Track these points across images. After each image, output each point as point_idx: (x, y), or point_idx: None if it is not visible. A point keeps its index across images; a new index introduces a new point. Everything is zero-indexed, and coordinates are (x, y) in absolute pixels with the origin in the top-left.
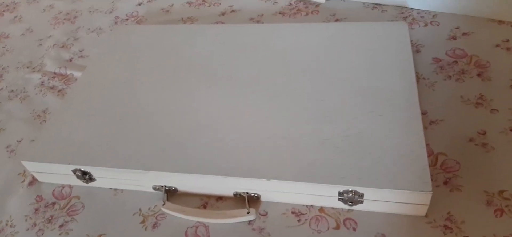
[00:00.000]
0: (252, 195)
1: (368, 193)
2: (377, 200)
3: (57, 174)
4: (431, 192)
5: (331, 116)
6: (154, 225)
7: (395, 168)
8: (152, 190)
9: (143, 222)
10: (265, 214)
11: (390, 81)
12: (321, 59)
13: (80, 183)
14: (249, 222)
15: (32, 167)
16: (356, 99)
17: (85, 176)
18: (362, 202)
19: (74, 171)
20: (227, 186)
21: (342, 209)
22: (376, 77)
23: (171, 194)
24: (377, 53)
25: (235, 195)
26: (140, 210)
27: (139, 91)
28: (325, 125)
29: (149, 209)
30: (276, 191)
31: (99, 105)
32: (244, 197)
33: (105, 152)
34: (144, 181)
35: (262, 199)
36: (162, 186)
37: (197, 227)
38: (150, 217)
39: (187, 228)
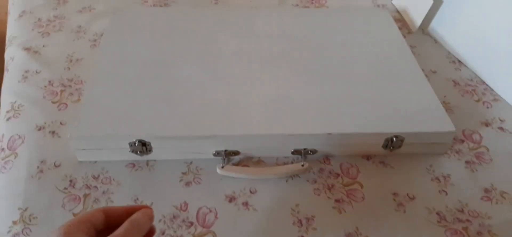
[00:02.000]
0: (309, 150)
1: (408, 137)
2: (412, 143)
3: (106, 150)
4: (454, 131)
5: (357, 82)
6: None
7: (423, 116)
8: (212, 156)
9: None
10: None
11: (390, 53)
12: (325, 40)
13: (130, 157)
14: (308, 180)
15: (78, 144)
16: (370, 69)
17: (144, 147)
18: (400, 146)
19: (133, 143)
20: (288, 143)
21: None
22: (377, 51)
23: (228, 160)
24: (369, 33)
25: (294, 152)
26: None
27: (166, 65)
28: (355, 89)
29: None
30: (332, 144)
31: (130, 77)
32: (301, 152)
33: (162, 122)
34: (205, 147)
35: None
36: (223, 150)
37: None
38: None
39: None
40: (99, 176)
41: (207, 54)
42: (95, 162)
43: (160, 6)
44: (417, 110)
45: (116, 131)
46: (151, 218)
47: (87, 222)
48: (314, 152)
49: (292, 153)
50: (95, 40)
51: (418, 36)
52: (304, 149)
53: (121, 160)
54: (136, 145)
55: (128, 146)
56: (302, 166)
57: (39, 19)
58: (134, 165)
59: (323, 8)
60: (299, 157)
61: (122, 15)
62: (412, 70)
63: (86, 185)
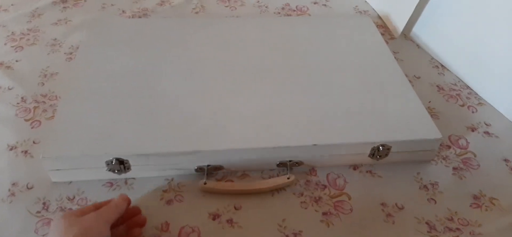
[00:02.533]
0: (296, 162)
1: (395, 145)
2: (399, 152)
3: (81, 169)
4: (441, 138)
5: (341, 91)
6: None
7: (409, 124)
8: (194, 172)
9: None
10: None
11: (373, 60)
12: (308, 49)
13: (107, 176)
14: (294, 193)
15: (52, 164)
16: (353, 77)
17: (122, 165)
18: (387, 155)
19: (110, 162)
20: (273, 155)
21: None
22: (361, 58)
23: (210, 175)
24: (352, 40)
25: (279, 165)
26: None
27: (146, 78)
28: (339, 97)
29: None
30: (317, 155)
31: (108, 92)
32: (286, 164)
33: (140, 138)
34: (187, 163)
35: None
36: (205, 166)
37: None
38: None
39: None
40: (74, 197)
41: (188, 66)
42: (70, 182)
43: (139, 17)
44: (403, 118)
45: (92, 150)
46: (126, 199)
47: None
48: (300, 163)
49: (278, 165)
50: (71, 54)
51: (401, 41)
52: (290, 161)
53: (98, 179)
54: (114, 163)
55: (105, 165)
56: (288, 178)
57: (12, 33)
58: (111, 184)
59: (305, 15)
60: (285, 169)
61: (99, 27)
62: (396, 77)
63: (61, 207)
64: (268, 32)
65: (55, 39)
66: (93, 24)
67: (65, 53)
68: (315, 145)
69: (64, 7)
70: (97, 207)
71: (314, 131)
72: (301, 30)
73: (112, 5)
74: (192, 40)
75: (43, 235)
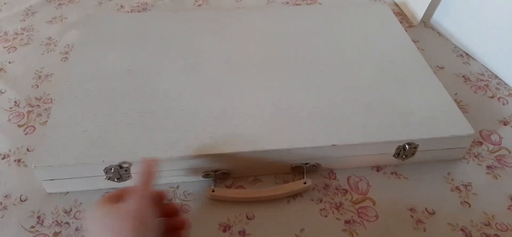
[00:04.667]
0: (313, 164)
1: (423, 143)
2: (427, 150)
3: (78, 179)
4: (474, 133)
5: (361, 85)
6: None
7: (437, 119)
8: (201, 179)
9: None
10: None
11: (393, 50)
12: (321, 40)
13: (106, 185)
14: (312, 199)
15: (45, 174)
16: (373, 69)
17: (122, 174)
18: (414, 154)
19: (109, 170)
20: (288, 158)
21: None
22: (379, 49)
23: (219, 182)
24: (368, 30)
25: (294, 168)
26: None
27: (146, 77)
28: (359, 92)
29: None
30: (337, 156)
31: (105, 93)
32: (302, 168)
33: (142, 143)
34: (193, 169)
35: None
36: (213, 171)
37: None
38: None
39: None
40: (71, 210)
41: (192, 62)
42: (67, 193)
43: (138, 12)
44: (429, 113)
45: (89, 157)
46: (154, 161)
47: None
48: (317, 166)
49: (293, 169)
50: (67, 53)
51: (421, 30)
52: (306, 164)
53: (96, 189)
54: (113, 171)
55: (103, 173)
56: (305, 183)
57: (5, 33)
58: None
59: (315, 4)
60: (301, 173)
61: (95, 24)
62: (420, 68)
63: (56, 221)
64: (277, 24)
65: (50, 38)
66: (88, 21)
67: (60, 52)
68: (334, 145)
69: (59, 4)
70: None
71: (332, 129)
72: (312, 21)
73: (109, 0)
74: (195, 35)
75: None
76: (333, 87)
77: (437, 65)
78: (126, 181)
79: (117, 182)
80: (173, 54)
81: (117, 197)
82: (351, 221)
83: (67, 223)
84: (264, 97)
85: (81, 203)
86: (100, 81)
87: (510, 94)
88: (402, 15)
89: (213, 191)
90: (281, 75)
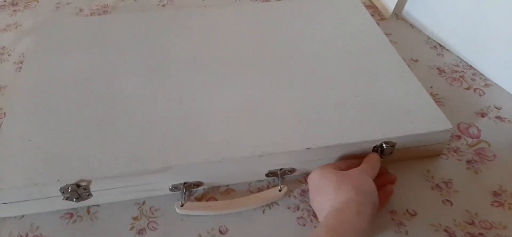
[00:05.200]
0: (287, 169)
1: (400, 141)
2: (405, 148)
3: (33, 201)
4: (452, 128)
5: (333, 82)
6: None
7: (413, 115)
8: (168, 192)
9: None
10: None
11: (365, 44)
12: (291, 37)
13: (64, 206)
14: (288, 207)
15: None
16: (345, 65)
17: (80, 192)
18: (392, 153)
19: (65, 189)
20: (260, 164)
21: None
22: (351, 44)
23: (188, 194)
24: (339, 24)
25: (268, 174)
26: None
27: (105, 84)
28: (332, 90)
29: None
30: (312, 161)
31: (60, 105)
32: (276, 174)
33: (101, 158)
34: (159, 182)
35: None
36: (181, 184)
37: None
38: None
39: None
40: (27, 235)
41: (155, 66)
42: (22, 216)
43: (99, 15)
44: (406, 109)
45: (43, 177)
46: (376, 157)
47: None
48: (292, 171)
49: (266, 175)
50: (21, 63)
51: (392, 22)
52: (280, 169)
53: (54, 210)
54: (70, 190)
55: (60, 193)
56: (280, 191)
57: None
58: (71, 215)
59: (284, 0)
60: (276, 179)
61: (51, 30)
62: (394, 62)
63: None
64: (245, 21)
65: (3, 47)
66: (43, 26)
67: (14, 62)
68: (308, 148)
69: (14, 11)
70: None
71: (305, 132)
72: (281, 17)
73: (68, 4)
74: (158, 37)
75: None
76: (305, 86)
77: (411, 58)
78: (86, 200)
79: (76, 201)
80: (135, 58)
81: (337, 166)
82: None
83: None
84: (232, 99)
85: (38, 227)
86: (55, 92)
87: (486, 84)
88: (373, 8)
89: (182, 205)
90: (250, 75)
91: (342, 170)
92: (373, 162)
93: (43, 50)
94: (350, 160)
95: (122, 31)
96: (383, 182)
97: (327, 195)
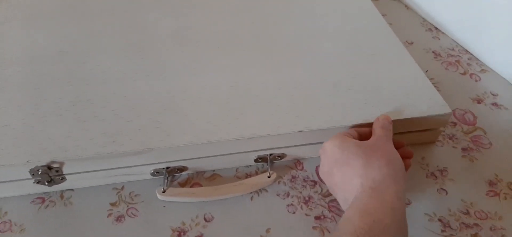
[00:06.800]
0: (277, 155)
1: (398, 125)
2: (400, 133)
3: (2, 184)
4: (451, 112)
5: (328, 62)
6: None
7: (411, 98)
8: (150, 177)
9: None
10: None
11: (361, 24)
12: (283, 14)
13: (35, 190)
14: (278, 193)
15: None
16: (341, 45)
17: (52, 175)
18: None
19: (35, 171)
20: (249, 148)
21: None
22: (347, 23)
23: (171, 180)
24: (333, 2)
25: (257, 160)
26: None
27: (79, 59)
28: (327, 71)
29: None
30: (303, 144)
31: (29, 80)
32: (266, 159)
33: (75, 137)
34: (139, 166)
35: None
36: (163, 168)
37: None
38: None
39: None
40: None
41: (136, 39)
42: None
43: None
44: (403, 92)
45: (10, 157)
46: (388, 119)
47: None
48: (282, 156)
49: (255, 160)
50: None
51: (387, 2)
52: (270, 154)
53: (24, 194)
54: (41, 173)
55: (30, 176)
56: (269, 177)
57: None
58: (43, 200)
59: None
60: (265, 164)
61: None
62: (390, 44)
63: None
64: None
65: None
66: None
67: None
68: (300, 131)
69: None
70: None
71: (297, 114)
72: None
73: None
74: (140, 8)
75: None
76: (298, 66)
77: (406, 41)
78: (59, 184)
79: (49, 185)
80: (113, 31)
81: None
82: (322, 217)
83: None
84: (220, 78)
85: (6, 212)
86: (25, 66)
87: (482, 70)
88: None
89: (164, 191)
90: (240, 53)
91: (356, 139)
92: (388, 126)
93: (12, 20)
94: (362, 129)
95: (100, 1)
96: (401, 155)
97: (354, 170)
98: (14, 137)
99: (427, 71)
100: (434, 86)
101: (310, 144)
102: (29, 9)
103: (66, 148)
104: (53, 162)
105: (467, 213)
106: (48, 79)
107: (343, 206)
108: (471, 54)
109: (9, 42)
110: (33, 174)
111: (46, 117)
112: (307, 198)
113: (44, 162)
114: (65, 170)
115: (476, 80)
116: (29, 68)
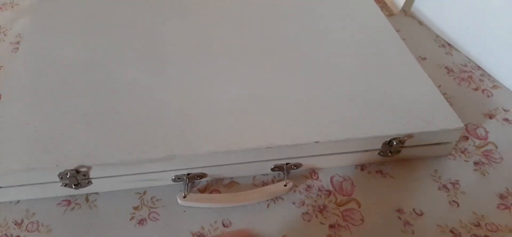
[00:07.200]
0: (293, 164)
1: (411, 139)
2: (413, 146)
3: (30, 186)
4: (464, 127)
5: (343, 76)
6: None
7: (424, 112)
8: (171, 182)
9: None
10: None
11: (375, 39)
12: (298, 27)
13: (62, 192)
14: (294, 202)
15: None
16: (355, 59)
17: (79, 179)
18: (400, 151)
19: (64, 175)
20: (266, 158)
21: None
22: (361, 37)
23: (191, 186)
24: (348, 17)
25: (273, 168)
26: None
27: (105, 69)
28: (341, 84)
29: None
30: (319, 155)
31: (59, 88)
32: (282, 168)
33: (102, 144)
34: (161, 172)
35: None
36: (184, 174)
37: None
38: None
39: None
40: (22, 221)
41: (157, 51)
42: (18, 201)
43: None
44: (417, 106)
45: (40, 161)
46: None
47: None
48: (298, 166)
49: (272, 169)
50: (18, 43)
51: (401, 18)
52: (287, 164)
53: (51, 196)
54: (69, 177)
55: (58, 179)
56: (285, 185)
57: None
58: (69, 202)
59: None
60: (281, 173)
61: (50, 10)
62: (404, 58)
63: (5, 235)
64: (252, 8)
65: None
66: (41, 6)
67: (11, 43)
68: (317, 142)
69: None
70: None
71: (314, 125)
72: (289, 7)
73: None
74: (160, 21)
75: None
76: (314, 78)
77: (419, 56)
78: (85, 188)
79: (75, 188)
80: (136, 42)
81: None
82: (336, 226)
83: (18, 236)
84: (239, 89)
85: (34, 213)
86: (54, 75)
87: (494, 86)
88: (381, 3)
89: (184, 197)
90: (257, 65)
91: None
92: None
93: (41, 30)
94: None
95: (124, 14)
96: None
97: None
98: (44, 142)
99: (440, 86)
100: (447, 101)
101: (325, 155)
102: (56, 19)
103: (93, 154)
104: (81, 166)
105: (478, 225)
106: (76, 89)
107: None
108: (483, 70)
109: (39, 51)
110: (61, 177)
111: (74, 125)
112: (322, 207)
113: (72, 166)
114: (91, 174)
115: (488, 96)
116: (58, 78)
